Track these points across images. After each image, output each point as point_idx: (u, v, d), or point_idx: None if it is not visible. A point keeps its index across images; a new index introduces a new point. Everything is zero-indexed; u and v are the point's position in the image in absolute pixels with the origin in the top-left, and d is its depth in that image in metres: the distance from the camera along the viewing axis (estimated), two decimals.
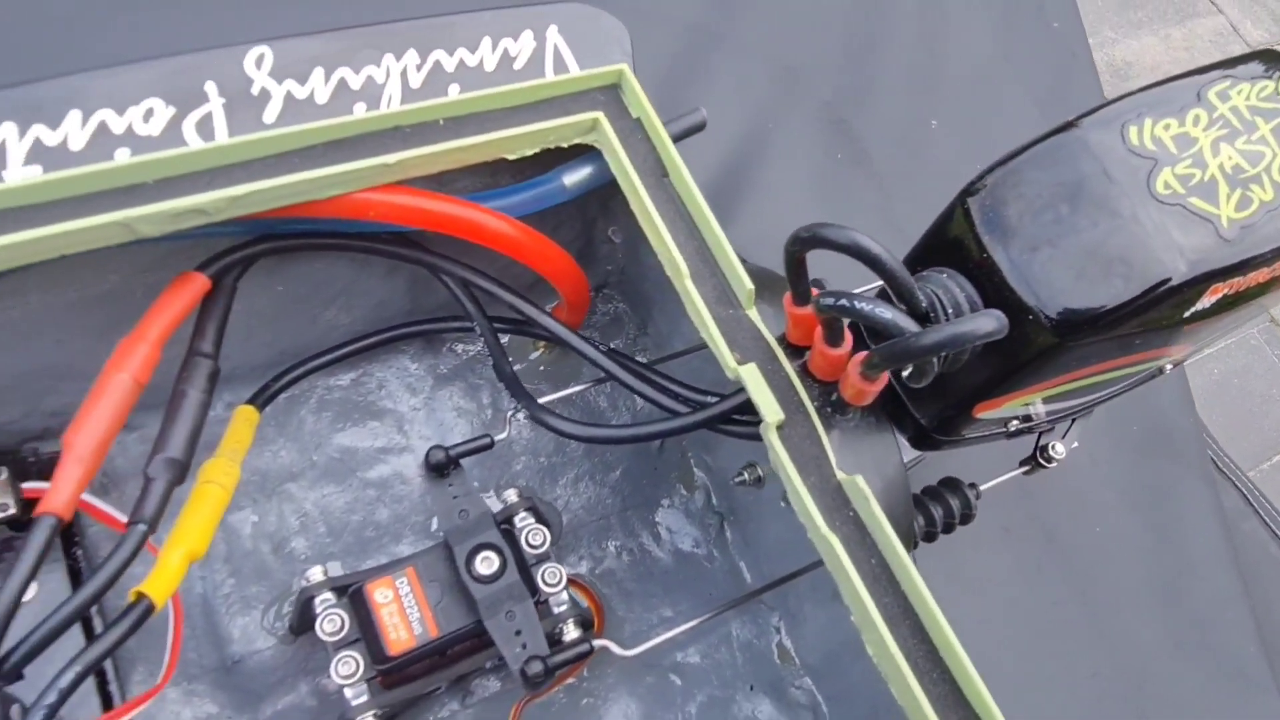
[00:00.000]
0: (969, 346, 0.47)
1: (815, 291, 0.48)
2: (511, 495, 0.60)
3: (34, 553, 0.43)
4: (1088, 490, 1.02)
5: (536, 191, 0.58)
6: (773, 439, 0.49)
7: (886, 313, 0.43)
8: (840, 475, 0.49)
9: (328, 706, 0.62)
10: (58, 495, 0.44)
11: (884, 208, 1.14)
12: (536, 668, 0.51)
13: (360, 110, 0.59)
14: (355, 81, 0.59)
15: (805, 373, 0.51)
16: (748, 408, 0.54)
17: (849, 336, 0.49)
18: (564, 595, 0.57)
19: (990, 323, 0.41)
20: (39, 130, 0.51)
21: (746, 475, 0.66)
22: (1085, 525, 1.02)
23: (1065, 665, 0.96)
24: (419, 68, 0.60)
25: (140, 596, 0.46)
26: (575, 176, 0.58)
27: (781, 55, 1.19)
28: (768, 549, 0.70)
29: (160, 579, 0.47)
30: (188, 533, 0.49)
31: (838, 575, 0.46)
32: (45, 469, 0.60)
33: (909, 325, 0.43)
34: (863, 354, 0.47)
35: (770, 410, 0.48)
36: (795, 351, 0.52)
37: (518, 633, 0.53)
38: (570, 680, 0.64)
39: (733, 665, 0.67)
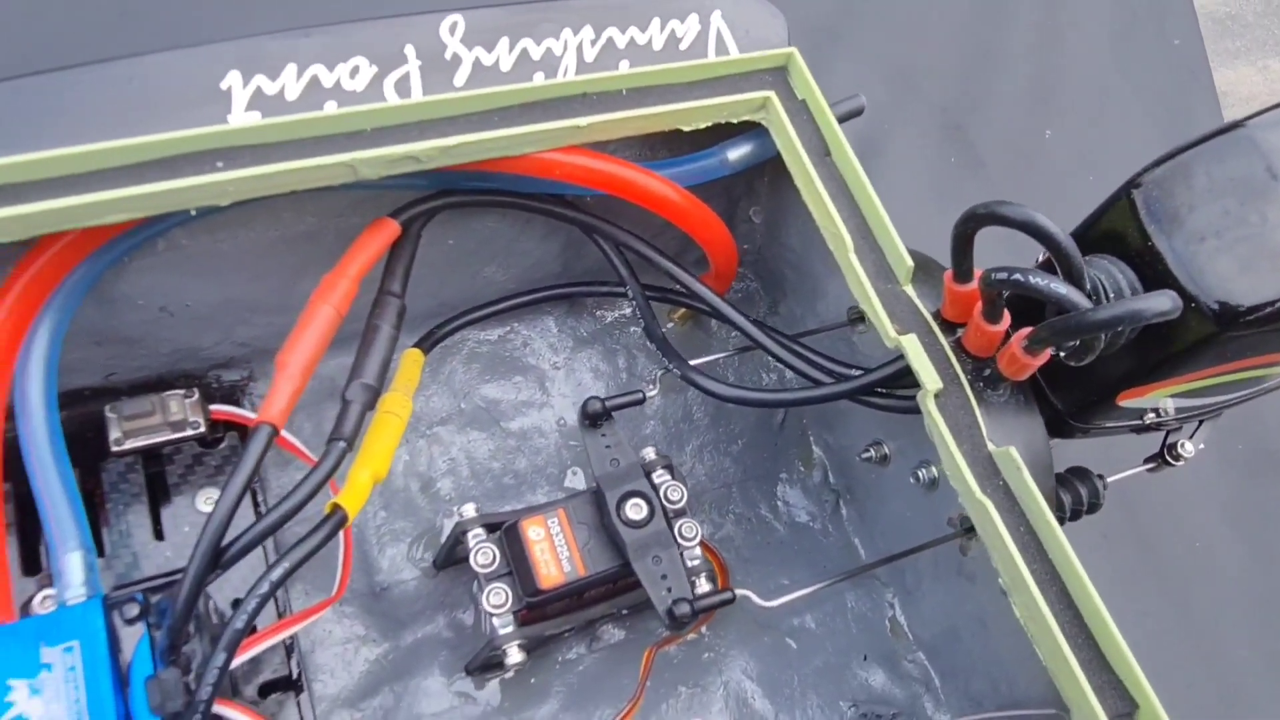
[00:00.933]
0: (1137, 325, 0.48)
1: (978, 273, 0.50)
2: (650, 453, 0.63)
3: (254, 456, 0.47)
4: (1189, 505, 1.02)
5: (701, 164, 0.61)
6: (930, 406, 0.51)
7: (1061, 288, 0.45)
8: (991, 446, 0.51)
9: (462, 640, 0.66)
10: (274, 406, 0.49)
11: None
12: (684, 609, 0.54)
13: (539, 79, 0.63)
14: (536, 52, 0.62)
15: (959, 348, 0.54)
16: (894, 380, 0.57)
17: (1007, 314, 0.51)
18: (697, 550, 0.60)
19: (1165, 301, 0.43)
20: (260, 80, 0.56)
21: (873, 453, 0.68)
22: (1184, 539, 1.02)
23: (1154, 679, 0.96)
24: (593, 43, 0.64)
25: (336, 508, 0.50)
26: (738, 152, 0.61)
27: (900, 59, 1.21)
28: (884, 527, 0.71)
29: (352, 494, 0.51)
30: (373, 456, 0.53)
31: (989, 539, 0.49)
32: (227, 394, 0.65)
33: (1082, 301, 0.45)
34: (1026, 329, 0.49)
35: (930, 379, 0.51)
36: (948, 327, 0.54)
37: (663, 576, 0.56)
38: (692, 636, 0.67)
39: (847, 634, 0.69)
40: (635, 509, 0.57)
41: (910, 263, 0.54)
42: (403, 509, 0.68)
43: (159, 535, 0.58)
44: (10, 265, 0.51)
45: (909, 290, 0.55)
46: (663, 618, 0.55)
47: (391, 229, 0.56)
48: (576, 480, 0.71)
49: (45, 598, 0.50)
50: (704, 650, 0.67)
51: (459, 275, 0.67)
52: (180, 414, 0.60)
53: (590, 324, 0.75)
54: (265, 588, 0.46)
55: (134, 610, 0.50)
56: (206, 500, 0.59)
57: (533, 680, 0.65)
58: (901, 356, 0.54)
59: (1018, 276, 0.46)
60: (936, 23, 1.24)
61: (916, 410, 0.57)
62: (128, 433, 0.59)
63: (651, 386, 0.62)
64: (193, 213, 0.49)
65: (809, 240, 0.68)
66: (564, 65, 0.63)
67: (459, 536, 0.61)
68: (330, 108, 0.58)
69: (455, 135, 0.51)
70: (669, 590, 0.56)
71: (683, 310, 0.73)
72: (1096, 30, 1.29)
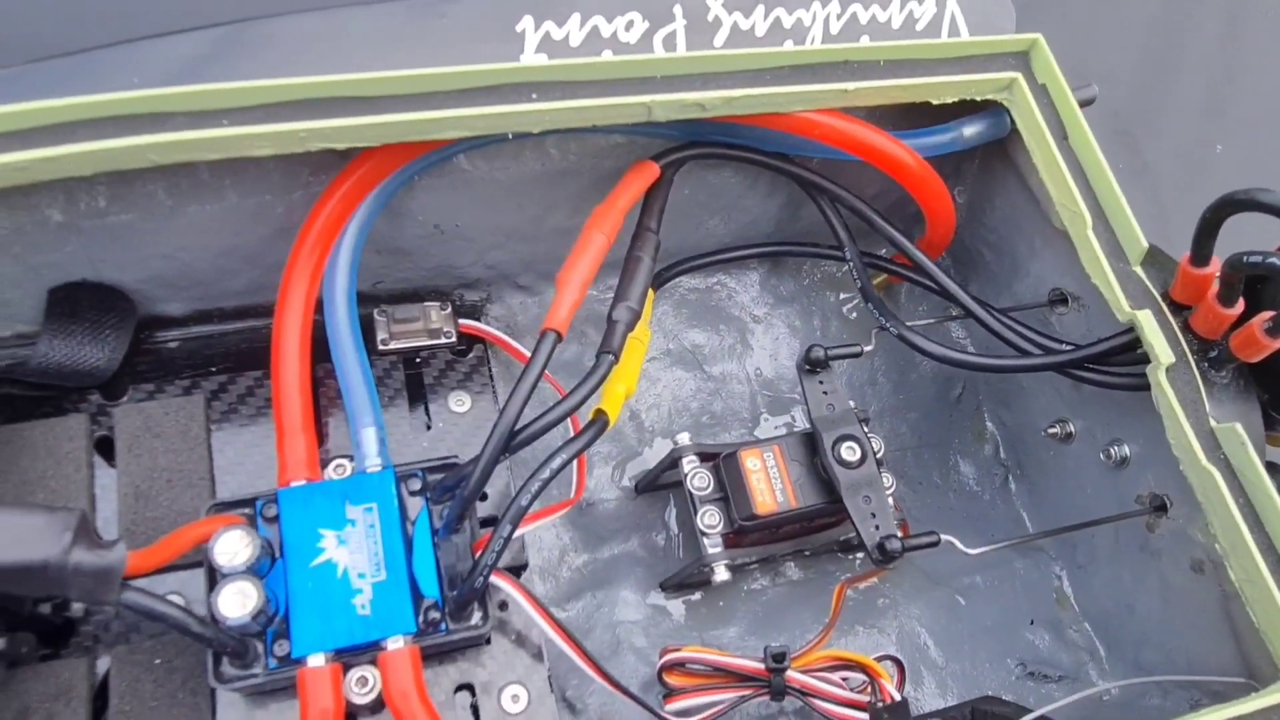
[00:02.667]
0: None
1: (1215, 258, 0.53)
2: (852, 404, 0.67)
3: (543, 357, 0.52)
4: None
5: (937, 138, 0.65)
6: (1160, 378, 0.54)
7: None
8: (1214, 422, 0.54)
9: (654, 560, 0.71)
10: (558, 316, 0.54)
11: (1159, 220, 1.16)
12: (895, 544, 0.58)
13: (788, 45, 0.67)
14: (787, 21, 0.67)
15: (1186, 328, 0.56)
16: (1106, 356, 0.60)
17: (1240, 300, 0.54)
18: (891, 501, 0.64)
19: None
20: (548, 26, 0.61)
21: (1058, 429, 0.71)
22: None
23: None
24: (839, 16, 0.68)
25: (599, 413, 0.56)
26: (973, 129, 0.65)
27: (1076, 60, 1.22)
28: (1054, 502, 0.74)
29: (610, 402, 0.56)
30: (625, 373, 0.58)
31: (1213, 507, 0.51)
32: (468, 312, 0.71)
33: None
34: (1269, 312, 0.52)
35: (1164, 352, 0.54)
36: (1175, 308, 0.57)
37: (872, 515, 0.60)
38: (870, 582, 0.71)
39: (1014, 599, 0.72)
40: (849, 451, 0.62)
41: (1145, 244, 0.57)
42: (610, 434, 0.73)
43: (427, 427, 0.64)
44: (329, 176, 0.58)
45: (1139, 270, 0.58)
46: (871, 551, 0.59)
47: (652, 171, 0.61)
48: (767, 426, 0.76)
49: (336, 465, 0.57)
50: (880, 597, 0.71)
51: (685, 224, 0.71)
52: (438, 324, 0.67)
53: (791, 284, 0.79)
54: (546, 473, 0.52)
55: (417, 484, 0.56)
56: (458, 402, 0.66)
57: (720, 604, 0.70)
58: (1127, 331, 0.57)
59: (1274, 260, 0.48)
60: (1116, 28, 1.24)
61: (1130, 386, 0.60)
62: (393, 334, 0.66)
63: (868, 344, 0.66)
64: (509, 136, 0.54)
65: (1014, 222, 0.71)
66: (811, 35, 0.67)
67: (673, 461, 0.66)
68: (606, 55, 0.63)
69: (737, 89, 0.56)
70: (877, 527, 0.60)
71: (883, 277, 0.77)
72: (1278, 50, 1.28)
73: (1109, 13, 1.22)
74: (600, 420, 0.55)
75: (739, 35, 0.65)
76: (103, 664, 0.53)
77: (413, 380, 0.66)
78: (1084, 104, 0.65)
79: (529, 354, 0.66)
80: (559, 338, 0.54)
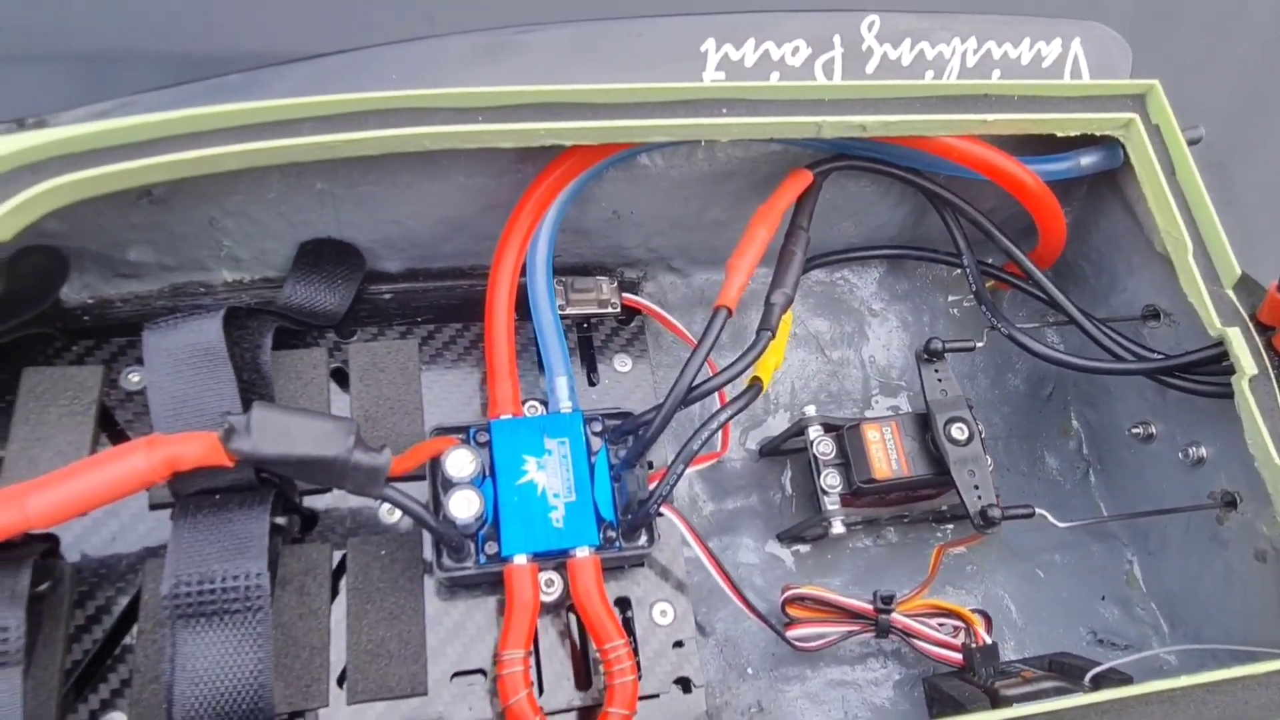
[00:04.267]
0: None
1: None
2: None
3: (715, 330, 0.62)
4: None
5: (1057, 165, 0.73)
6: (1244, 387, 0.62)
7: None
8: None
9: (771, 515, 0.81)
10: (729, 295, 0.64)
11: (1247, 247, 1.22)
12: (995, 512, 0.67)
13: (929, 76, 0.76)
14: (930, 54, 0.76)
15: (1269, 346, 0.65)
16: (1195, 367, 0.68)
17: None
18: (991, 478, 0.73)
19: None
20: (728, 48, 0.71)
21: (1141, 430, 0.80)
22: None
23: None
24: (975, 51, 0.77)
25: (756, 380, 0.66)
26: (1090, 159, 0.73)
27: (1177, 90, 1.28)
28: (1130, 496, 0.83)
29: (764, 371, 0.66)
30: (775, 348, 0.68)
31: None
32: (628, 287, 0.81)
33: None
34: None
35: (1249, 365, 0.62)
36: (1261, 329, 0.65)
37: (975, 486, 0.70)
38: (961, 550, 0.80)
39: (1088, 576, 0.81)
40: (959, 430, 0.71)
41: (1238, 270, 0.66)
42: None
43: (591, 383, 0.75)
44: (535, 164, 0.69)
45: (1231, 293, 0.66)
46: (974, 517, 0.68)
47: (806, 178, 0.71)
48: (878, 406, 0.85)
49: (529, 405, 0.68)
50: (969, 564, 0.81)
51: (821, 224, 0.80)
52: (606, 295, 0.77)
53: (906, 284, 0.89)
54: (715, 424, 0.62)
55: (598, 427, 0.67)
56: (621, 363, 0.76)
57: (828, 556, 0.80)
58: (1216, 345, 0.65)
59: None
60: (1218, 65, 1.30)
61: (1213, 394, 0.68)
62: (570, 301, 0.76)
63: (980, 341, 0.75)
64: (702, 143, 0.65)
65: (1115, 243, 0.80)
66: (950, 67, 0.76)
67: (799, 429, 0.76)
68: (774, 77, 0.73)
69: (894, 114, 0.65)
70: (980, 497, 0.69)
71: (991, 283, 0.85)
72: None
73: (1213, 51, 1.28)
74: (756, 386, 0.66)
75: (887, 64, 0.74)
76: (337, 555, 0.65)
77: (584, 342, 0.77)
78: (1191, 143, 0.73)
79: (680, 326, 0.77)
80: (729, 313, 0.64)
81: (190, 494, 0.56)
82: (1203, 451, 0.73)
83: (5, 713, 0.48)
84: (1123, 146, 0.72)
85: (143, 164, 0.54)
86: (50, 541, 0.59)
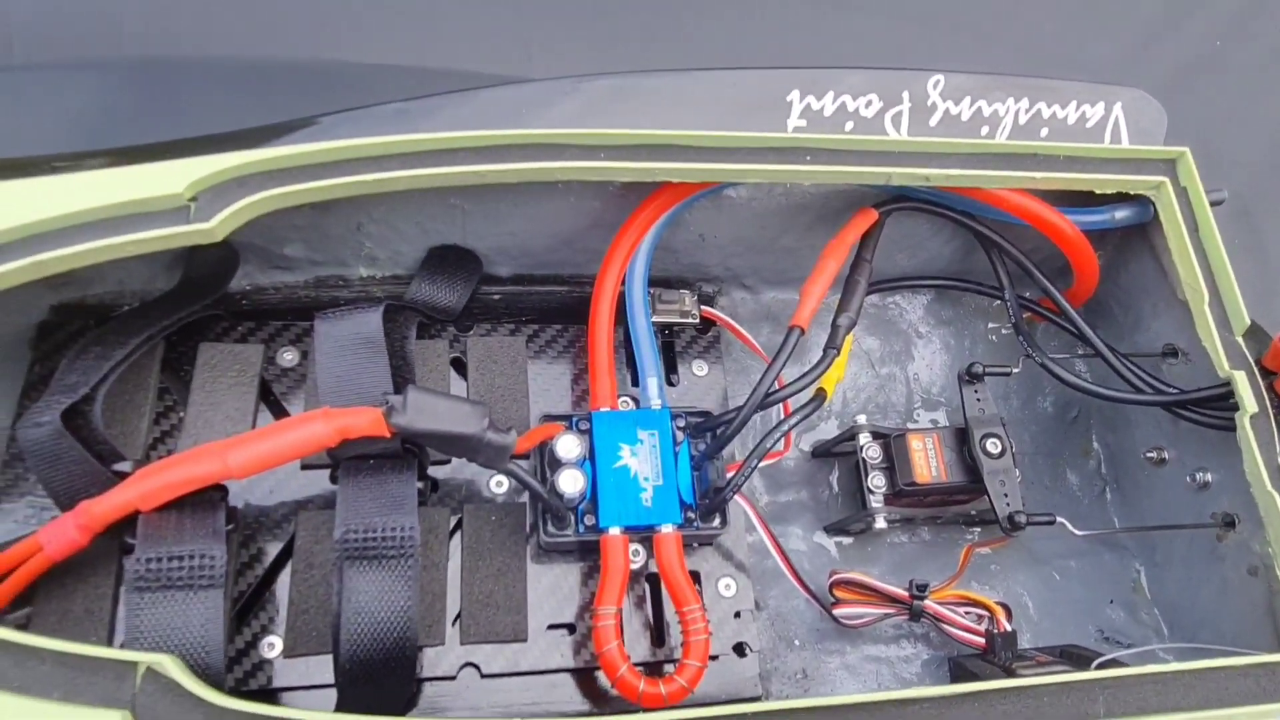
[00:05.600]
0: None
1: None
2: None
3: (789, 348, 0.72)
4: None
5: (1095, 217, 0.83)
6: (1245, 423, 0.72)
7: None
8: None
9: (819, 509, 0.91)
10: (801, 316, 0.74)
11: (1266, 293, 1.30)
12: (1021, 518, 0.77)
13: (984, 131, 0.86)
14: (986, 111, 0.85)
15: (1271, 389, 0.74)
16: (1205, 402, 0.78)
17: None
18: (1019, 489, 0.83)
19: None
20: (810, 99, 0.81)
21: (1155, 454, 0.89)
22: None
23: None
24: (1026, 111, 0.86)
25: (821, 390, 0.76)
26: (1124, 213, 0.83)
27: (1207, 140, 1.36)
28: (1142, 513, 0.92)
29: (828, 383, 0.77)
30: (840, 364, 0.78)
31: (1272, 524, 0.70)
32: (705, 300, 0.91)
33: None
34: None
35: (1250, 404, 0.72)
36: (1265, 373, 0.75)
37: (1005, 495, 0.79)
38: (987, 550, 0.90)
39: (1099, 582, 0.91)
40: (993, 445, 0.81)
41: (1247, 320, 0.75)
42: None
43: (670, 383, 0.85)
44: (638, 190, 0.79)
45: (1240, 340, 0.75)
46: (1002, 521, 0.78)
47: (872, 216, 0.81)
48: (921, 419, 0.95)
49: (621, 401, 0.79)
50: (993, 563, 0.90)
51: (879, 255, 0.90)
52: (688, 307, 0.87)
53: (950, 311, 0.98)
54: (785, 426, 0.73)
55: (682, 423, 0.77)
56: (699, 368, 0.87)
57: (868, 549, 0.90)
58: (1224, 385, 0.75)
59: None
60: (1249, 121, 1.38)
61: (1219, 427, 0.78)
62: (657, 310, 0.87)
63: (1015, 367, 0.84)
64: (787, 186, 0.75)
65: (1142, 286, 0.89)
66: (1004, 124, 0.86)
67: (851, 434, 0.86)
68: (848, 126, 0.83)
69: (955, 169, 0.75)
70: (1009, 504, 0.79)
71: (1028, 315, 0.95)
72: None
73: (1245, 110, 1.36)
74: (820, 396, 0.76)
75: (949, 119, 0.84)
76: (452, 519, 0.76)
77: (666, 346, 0.87)
78: (1214, 204, 0.83)
79: (749, 337, 0.87)
80: (802, 333, 0.74)
81: (349, 458, 0.67)
82: (1208, 477, 0.82)
83: (212, 625, 0.59)
84: (1153, 204, 0.81)
85: (330, 183, 0.65)
86: (224, 492, 0.70)
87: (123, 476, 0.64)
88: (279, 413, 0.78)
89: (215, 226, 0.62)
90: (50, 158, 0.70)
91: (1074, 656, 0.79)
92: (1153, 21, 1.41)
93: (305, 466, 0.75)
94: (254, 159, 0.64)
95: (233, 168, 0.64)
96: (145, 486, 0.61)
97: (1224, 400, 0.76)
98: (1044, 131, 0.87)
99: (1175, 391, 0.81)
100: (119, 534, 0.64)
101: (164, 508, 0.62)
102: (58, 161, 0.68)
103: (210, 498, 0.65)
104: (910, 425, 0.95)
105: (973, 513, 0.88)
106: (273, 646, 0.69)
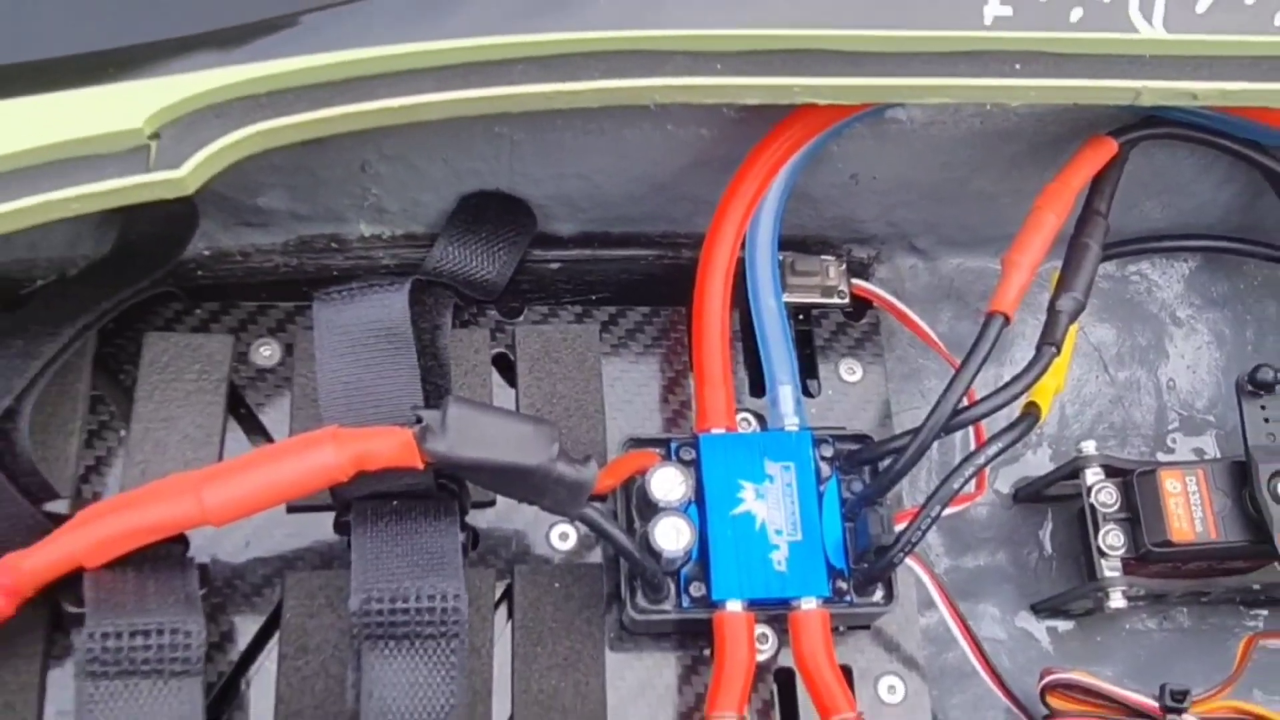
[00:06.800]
0: None
1: None
2: None
3: (989, 341, 0.78)
4: None
5: None
6: None
7: None
8: None
9: (1024, 578, 0.97)
10: (1006, 297, 0.80)
11: None
12: None
13: (1278, 22, 0.90)
14: None
15: None
16: None
17: None
18: None
19: None
20: None
21: None
22: None
23: None
24: None
25: (1032, 405, 0.82)
26: None
27: None
28: None
29: (1043, 396, 0.82)
30: (1060, 367, 0.83)
31: None
32: (855, 270, 0.97)
33: None
34: None
35: None
36: None
37: None
38: (1278, 643, 0.95)
39: None
40: None
41: None
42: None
43: (809, 392, 0.92)
44: (762, 115, 0.85)
45: None
46: None
47: (1110, 148, 0.86)
48: (1178, 449, 1.00)
49: (741, 419, 0.85)
50: None
51: (1119, 204, 0.95)
52: (834, 281, 0.94)
53: (1225, 285, 1.03)
54: (981, 459, 0.78)
55: (829, 451, 0.84)
56: (848, 370, 0.93)
57: (1098, 639, 0.95)
58: None
59: None
60: None
61: None
62: (788, 287, 0.93)
63: None
64: (983, 112, 0.81)
65: None
66: None
67: (1073, 470, 0.91)
68: (1075, 15, 0.88)
69: (1233, 81, 0.80)
70: None
71: None
72: None
73: None
74: (1033, 414, 0.82)
75: (1226, 2, 0.88)
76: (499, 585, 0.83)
77: (802, 338, 0.93)
78: None
79: (924, 326, 0.93)
80: (1006, 321, 0.80)
81: (361, 497, 0.75)
82: None
83: None
84: None
85: (341, 111, 0.72)
86: (185, 544, 0.78)
87: (58, 520, 0.72)
88: (255, 430, 0.86)
89: (187, 175, 0.69)
90: None
91: None
92: None
93: (292, 509, 0.83)
94: (235, 79, 0.71)
95: (205, 92, 0.71)
96: (92, 534, 0.69)
97: None
98: None
99: None
100: (49, 596, 0.73)
101: (115, 563, 0.70)
102: None
103: (171, 551, 0.73)
104: (1163, 457, 1.00)
105: (1255, 586, 0.93)
106: None
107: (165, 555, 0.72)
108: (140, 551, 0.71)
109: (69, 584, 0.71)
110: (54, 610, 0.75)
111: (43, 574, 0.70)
